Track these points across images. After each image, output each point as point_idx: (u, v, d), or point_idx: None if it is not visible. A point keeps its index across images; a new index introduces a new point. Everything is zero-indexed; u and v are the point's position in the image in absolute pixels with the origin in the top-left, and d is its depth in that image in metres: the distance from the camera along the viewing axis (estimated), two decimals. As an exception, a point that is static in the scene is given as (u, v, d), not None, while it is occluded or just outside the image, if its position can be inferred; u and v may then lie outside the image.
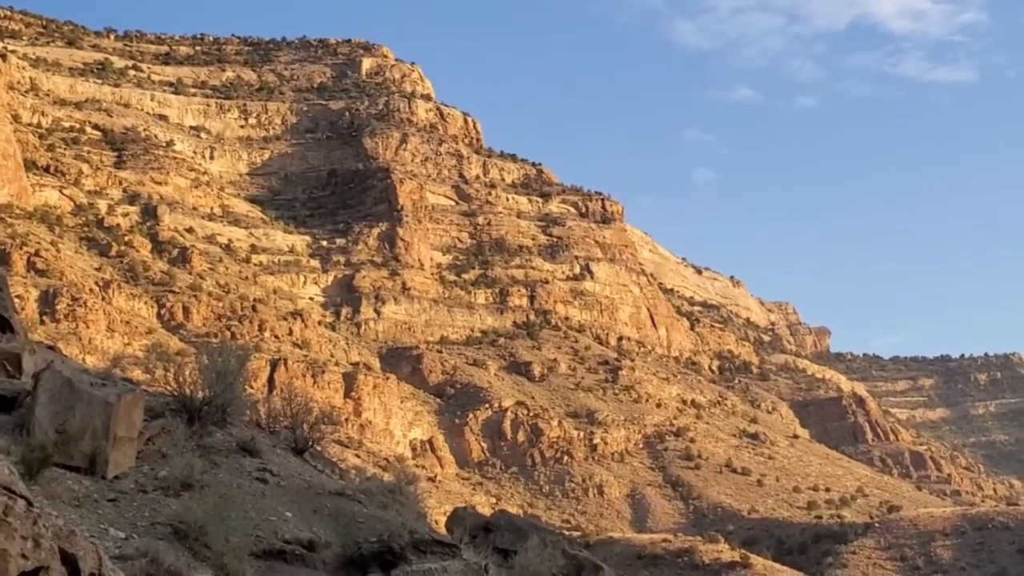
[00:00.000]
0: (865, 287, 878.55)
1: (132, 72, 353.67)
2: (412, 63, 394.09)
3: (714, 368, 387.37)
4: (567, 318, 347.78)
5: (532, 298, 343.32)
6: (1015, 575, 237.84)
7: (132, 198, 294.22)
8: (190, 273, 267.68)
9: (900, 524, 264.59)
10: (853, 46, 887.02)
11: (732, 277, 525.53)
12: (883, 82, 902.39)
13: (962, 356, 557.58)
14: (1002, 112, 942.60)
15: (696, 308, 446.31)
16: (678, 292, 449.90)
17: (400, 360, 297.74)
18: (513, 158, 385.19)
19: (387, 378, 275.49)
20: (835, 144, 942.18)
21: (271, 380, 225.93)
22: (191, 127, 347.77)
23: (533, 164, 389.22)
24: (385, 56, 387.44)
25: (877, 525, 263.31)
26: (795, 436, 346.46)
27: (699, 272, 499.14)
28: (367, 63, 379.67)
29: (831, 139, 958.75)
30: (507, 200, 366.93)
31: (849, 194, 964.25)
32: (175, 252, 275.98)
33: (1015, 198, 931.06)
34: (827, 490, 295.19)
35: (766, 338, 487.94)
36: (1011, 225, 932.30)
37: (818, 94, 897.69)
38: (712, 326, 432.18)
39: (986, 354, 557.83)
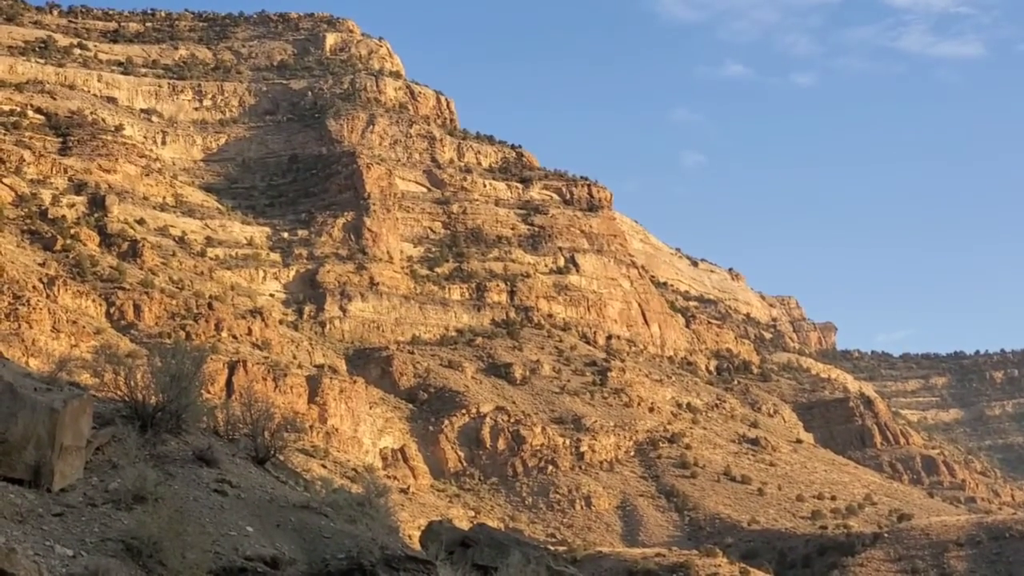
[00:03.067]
0: (873, 279, 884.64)
1: (77, 51, 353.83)
2: (380, 38, 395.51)
3: (711, 368, 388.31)
4: (551, 315, 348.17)
5: (512, 294, 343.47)
6: None
7: (78, 187, 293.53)
8: (141, 268, 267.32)
9: (911, 534, 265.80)
10: (851, 19, 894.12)
11: (731, 269, 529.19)
12: (884, 57, 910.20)
13: (977, 353, 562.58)
14: (1013, 89, 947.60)
15: (692, 303, 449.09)
16: (672, 286, 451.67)
17: (368, 362, 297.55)
18: (490, 140, 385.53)
19: (354, 381, 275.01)
20: (834, 124, 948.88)
21: (229, 384, 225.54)
22: (141, 110, 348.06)
23: (512, 147, 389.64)
24: (351, 31, 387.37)
25: (886, 535, 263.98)
26: (798, 441, 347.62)
27: (695, 264, 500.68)
28: (331, 39, 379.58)
29: (830, 119, 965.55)
30: (484, 186, 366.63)
31: (852, 179, 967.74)
32: (125, 246, 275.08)
33: (1021, 179, 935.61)
34: (833, 498, 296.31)
35: (767, 335, 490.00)
36: (1010, 208, 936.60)
37: (815, 71, 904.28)
38: (709, 323, 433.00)
39: (1003, 350, 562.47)
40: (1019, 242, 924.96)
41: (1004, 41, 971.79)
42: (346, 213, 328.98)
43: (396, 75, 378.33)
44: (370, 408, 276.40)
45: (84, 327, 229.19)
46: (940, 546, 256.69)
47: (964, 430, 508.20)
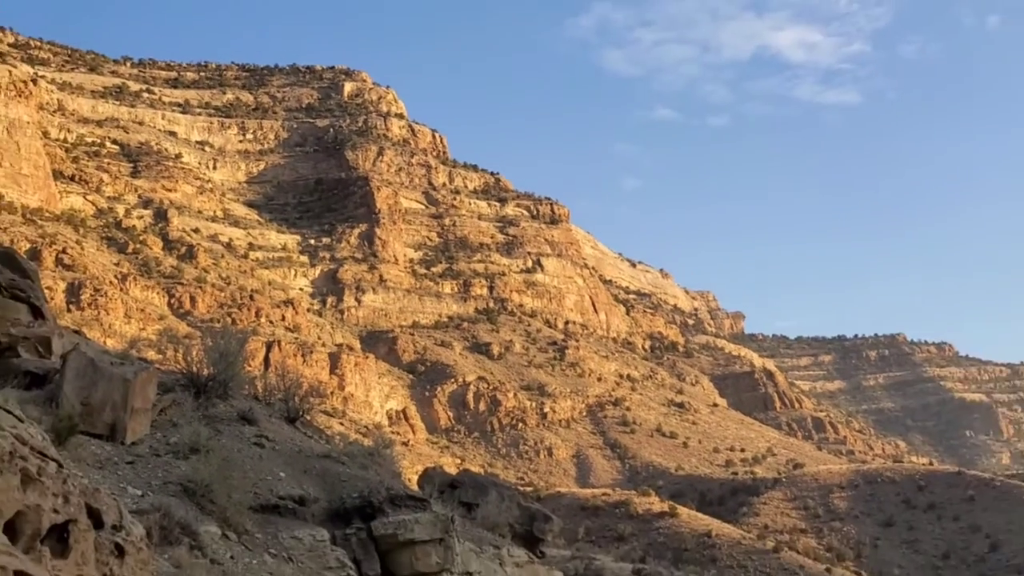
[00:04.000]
0: (774, 276, 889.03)
1: (145, 94, 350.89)
2: (387, 86, 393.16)
3: (646, 347, 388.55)
4: (521, 305, 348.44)
5: (491, 288, 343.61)
6: (900, 521, 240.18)
7: (146, 203, 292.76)
8: (196, 267, 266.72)
9: (803, 479, 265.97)
10: (757, 73, 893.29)
11: (661, 270, 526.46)
12: (782, 103, 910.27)
13: (855, 336, 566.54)
14: (882, 128, 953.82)
15: (631, 296, 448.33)
16: (615, 282, 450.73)
17: (378, 342, 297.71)
18: (475, 168, 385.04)
19: (367, 357, 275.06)
20: (741, 156, 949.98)
21: (266, 359, 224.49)
22: (196, 142, 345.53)
23: (492, 173, 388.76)
24: (364, 81, 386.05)
25: (784, 480, 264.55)
26: (715, 405, 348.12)
27: (633, 265, 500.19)
28: (348, 87, 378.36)
29: (738, 151, 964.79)
30: (469, 204, 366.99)
31: (757, 198, 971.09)
32: (183, 249, 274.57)
33: (890, 199, 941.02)
34: (742, 450, 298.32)
35: (690, 322, 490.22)
36: (882, 221, 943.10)
37: (727, 114, 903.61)
38: (644, 311, 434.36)
39: (876, 335, 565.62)
40: (886, 248, 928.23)
41: (877, 91, 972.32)
42: (361, 225, 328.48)
43: (400, 116, 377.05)
44: (379, 378, 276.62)
45: (150, 314, 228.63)
46: (826, 488, 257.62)
47: (845, 397, 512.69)
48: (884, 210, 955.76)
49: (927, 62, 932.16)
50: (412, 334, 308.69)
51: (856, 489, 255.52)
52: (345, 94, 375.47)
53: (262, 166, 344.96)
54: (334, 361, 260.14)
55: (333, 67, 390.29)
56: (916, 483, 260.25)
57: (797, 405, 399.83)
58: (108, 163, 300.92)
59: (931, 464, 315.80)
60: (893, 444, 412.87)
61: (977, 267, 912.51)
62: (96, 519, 13.23)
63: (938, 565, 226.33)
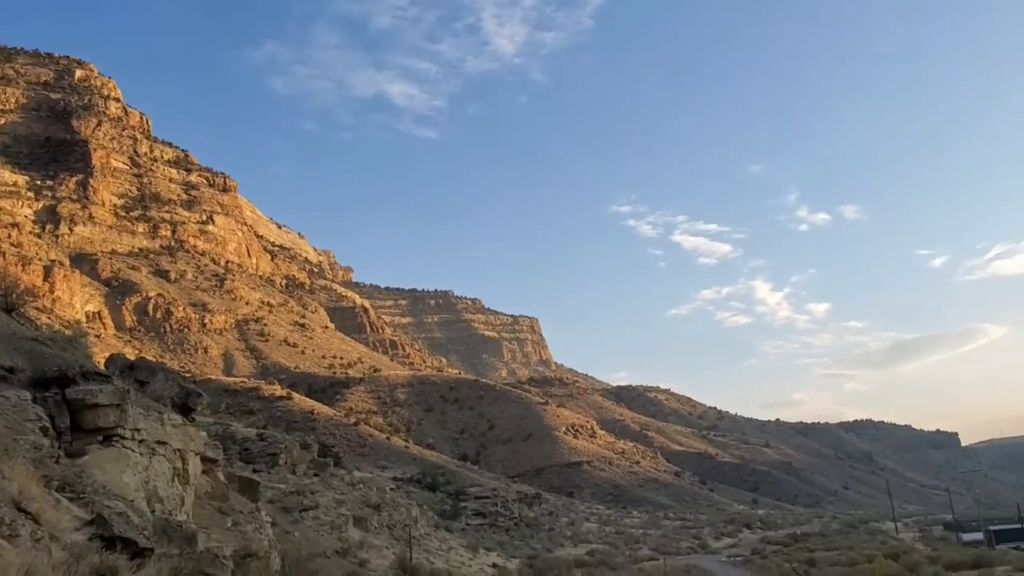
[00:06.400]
0: (373, 240, 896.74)
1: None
2: (109, 76, 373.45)
3: (283, 285, 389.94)
4: (195, 247, 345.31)
5: (174, 232, 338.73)
6: (436, 409, 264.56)
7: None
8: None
9: (379, 379, 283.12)
10: (375, 108, 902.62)
11: (299, 233, 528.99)
12: (388, 131, 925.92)
13: (423, 289, 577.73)
14: (451, 155, 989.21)
15: (276, 248, 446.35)
16: (266, 237, 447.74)
17: (83, 262, 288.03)
18: (171, 145, 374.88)
19: (74, 272, 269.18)
20: (359, 159, 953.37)
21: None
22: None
23: (183, 150, 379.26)
24: (91, 70, 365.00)
25: (366, 379, 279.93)
26: (326, 327, 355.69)
27: (279, 227, 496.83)
28: (79, 72, 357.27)
29: (357, 156, 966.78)
30: (164, 170, 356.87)
31: (369, 187, 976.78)
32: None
33: (449, 200, 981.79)
34: (341, 359, 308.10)
35: (316, 270, 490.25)
36: (442, 213, 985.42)
37: (352, 133, 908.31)
38: (284, 260, 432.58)
39: (436, 289, 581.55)
40: (447, 230, 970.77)
41: (450, 133, 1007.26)
42: (78, 175, 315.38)
43: (117, 99, 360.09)
44: (81, 288, 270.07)
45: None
46: (393, 386, 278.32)
47: (412, 329, 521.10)
48: (442, 206, 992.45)
49: (481, 118, 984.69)
50: (111, 259, 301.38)
51: (412, 387, 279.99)
52: (76, 77, 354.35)
53: (2, 122, 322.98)
54: (47, 272, 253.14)
55: (68, 56, 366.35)
56: (449, 385, 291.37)
57: (381, 331, 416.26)
58: None
59: (460, 374, 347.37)
60: (439, 360, 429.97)
61: (501, 246, 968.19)
62: None
63: (456, 437, 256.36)
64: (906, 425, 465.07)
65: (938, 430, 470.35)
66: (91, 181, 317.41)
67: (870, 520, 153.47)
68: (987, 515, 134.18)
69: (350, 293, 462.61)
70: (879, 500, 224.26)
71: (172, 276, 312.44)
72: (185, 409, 19.64)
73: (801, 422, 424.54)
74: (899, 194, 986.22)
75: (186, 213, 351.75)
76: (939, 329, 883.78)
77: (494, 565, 71.27)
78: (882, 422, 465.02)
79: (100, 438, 14.16)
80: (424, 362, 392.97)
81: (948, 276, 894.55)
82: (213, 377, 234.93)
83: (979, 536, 78.22)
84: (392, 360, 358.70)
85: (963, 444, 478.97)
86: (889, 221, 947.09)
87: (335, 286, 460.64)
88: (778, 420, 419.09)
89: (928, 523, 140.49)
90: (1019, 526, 77.35)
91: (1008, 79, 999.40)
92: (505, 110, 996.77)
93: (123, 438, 14.43)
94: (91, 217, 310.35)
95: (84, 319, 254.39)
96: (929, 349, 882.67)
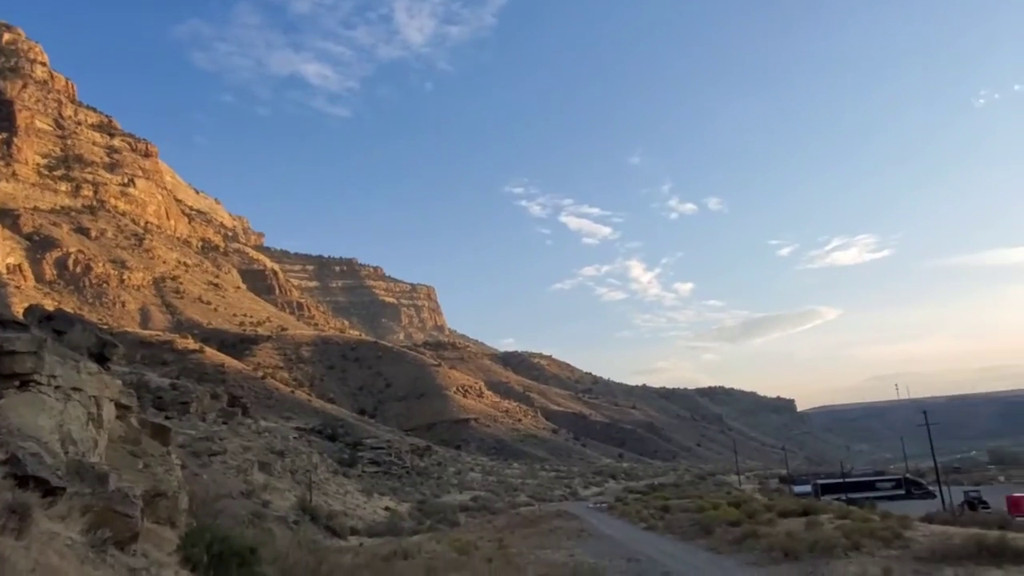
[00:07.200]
0: (286, 207, 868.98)
1: None
2: (37, 41, 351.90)
3: (199, 247, 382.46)
4: (116, 207, 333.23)
5: (96, 192, 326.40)
6: (338, 367, 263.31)
7: None
8: None
9: (286, 337, 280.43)
10: (291, 86, 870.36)
11: (216, 198, 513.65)
12: (304, 108, 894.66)
13: (330, 257, 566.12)
14: (364, 131, 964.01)
15: (194, 211, 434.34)
16: (184, 202, 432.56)
17: (6, 216, 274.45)
18: (95, 110, 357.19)
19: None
20: (278, 131, 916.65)
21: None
22: None
23: (107, 115, 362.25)
24: (19, 34, 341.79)
25: (274, 337, 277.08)
26: (238, 288, 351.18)
27: (197, 192, 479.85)
28: (7, 36, 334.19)
29: (276, 130, 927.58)
30: (89, 134, 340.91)
31: (287, 157, 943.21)
32: None
33: (361, 175, 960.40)
34: (252, 318, 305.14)
35: (230, 234, 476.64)
36: (355, 187, 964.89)
37: (269, 107, 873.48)
38: (201, 223, 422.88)
39: (341, 256, 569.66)
40: (360, 203, 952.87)
41: (361, 112, 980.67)
42: (3, 134, 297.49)
43: (44, 64, 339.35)
44: (3, 241, 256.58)
45: None
46: (299, 344, 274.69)
47: (318, 292, 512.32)
48: (351, 179, 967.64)
49: (390, 100, 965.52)
50: (33, 214, 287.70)
51: (316, 346, 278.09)
52: (3, 41, 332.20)
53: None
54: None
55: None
56: (351, 346, 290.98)
57: (289, 294, 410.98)
58: None
59: (361, 336, 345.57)
60: (342, 322, 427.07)
61: (403, 219, 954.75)
62: None
63: (356, 393, 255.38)
64: (752, 392, 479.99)
65: (778, 397, 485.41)
66: (15, 140, 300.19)
67: (718, 473, 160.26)
68: (815, 470, 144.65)
69: (261, 257, 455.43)
70: (726, 456, 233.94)
71: (93, 234, 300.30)
72: (101, 358, 18.46)
73: (664, 387, 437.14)
74: (755, 190, 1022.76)
75: (108, 175, 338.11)
76: (783, 310, 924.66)
77: (387, 508, 71.77)
78: (732, 389, 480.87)
79: (17, 384, 13.05)
80: (328, 323, 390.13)
81: (793, 264, 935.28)
82: (130, 330, 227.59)
83: (808, 488, 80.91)
84: (298, 320, 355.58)
85: (799, 409, 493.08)
86: (746, 213, 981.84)
87: (248, 250, 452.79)
88: (644, 385, 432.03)
89: (766, 477, 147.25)
90: (841, 480, 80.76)
91: (849, 83, 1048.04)
92: (412, 94, 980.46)
93: (39, 384, 13.45)
94: (14, 174, 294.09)
95: (4, 271, 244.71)
96: (774, 327, 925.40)
